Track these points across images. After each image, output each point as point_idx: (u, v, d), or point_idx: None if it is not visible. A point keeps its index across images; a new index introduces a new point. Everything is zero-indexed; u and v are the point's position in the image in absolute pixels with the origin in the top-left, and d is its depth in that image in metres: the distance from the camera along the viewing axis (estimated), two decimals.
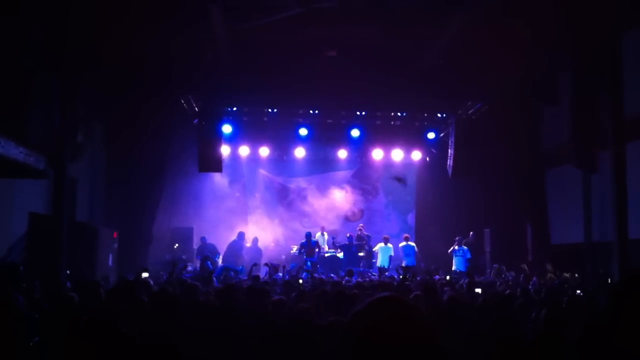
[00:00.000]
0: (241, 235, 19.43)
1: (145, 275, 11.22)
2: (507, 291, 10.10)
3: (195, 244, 20.29)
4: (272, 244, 20.89)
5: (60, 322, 5.31)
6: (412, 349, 1.73)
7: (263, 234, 20.87)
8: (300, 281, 12.03)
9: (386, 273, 17.69)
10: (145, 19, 12.82)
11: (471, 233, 19.19)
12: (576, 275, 14.22)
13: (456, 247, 18.73)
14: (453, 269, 18.34)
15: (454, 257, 18.72)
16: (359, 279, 13.51)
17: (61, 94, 12.82)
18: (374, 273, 17.68)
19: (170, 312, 5.55)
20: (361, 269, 18.23)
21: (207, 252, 18.02)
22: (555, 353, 3.38)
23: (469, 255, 18.62)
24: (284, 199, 22.09)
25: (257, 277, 12.09)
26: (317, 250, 19.05)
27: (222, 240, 19.83)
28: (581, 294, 9.98)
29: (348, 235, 19.95)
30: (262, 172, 22.15)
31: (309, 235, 19.15)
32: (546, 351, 3.43)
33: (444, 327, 5.27)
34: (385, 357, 1.71)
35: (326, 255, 19.69)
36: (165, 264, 17.66)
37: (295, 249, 19.71)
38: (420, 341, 1.75)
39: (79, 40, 12.72)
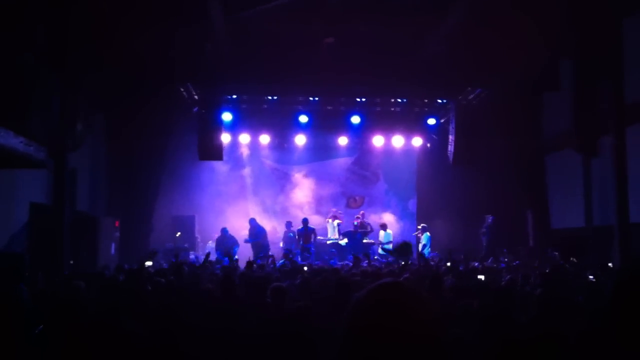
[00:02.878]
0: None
1: (148, 264, 11.24)
2: (507, 277, 10.13)
3: (198, 232, 20.35)
4: (271, 231, 20.91)
5: (64, 314, 5.31)
6: (414, 336, 1.70)
7: (263, 221, 20.89)
8: (305, 268, 12.05)
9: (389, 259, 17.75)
10: (146, 9, 12.77)
11: (490, 217, 19.15)
12: (574, 259, 14.23)
13: (420, 235, 19.19)
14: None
15: (425, 244, 18.94)
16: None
17: (62, 85, 12.79)
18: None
19: (172, 305, 5.55)
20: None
21: (228, 245, 18.24)
22: (556, 348, 3.39)
23: (427, 242, 19.02)
24: (284, 187, 22.05)
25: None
26: (313, 236, 19.10)
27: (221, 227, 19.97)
28: (593, 279, 9.87)
29: (356, 223, 19.93)
30: (263, 159, 22.11)
31: (305, 222, 19.16)
32: (546, 346, 3.44)
33: (448, 316, 5.29)
34: (388, 344, 1.69)
35: (328, 242, 19.74)
36: (167, 252, 17.73)
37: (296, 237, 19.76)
38: (423, 328, 1.73)
39: (80, 34, 12.69)
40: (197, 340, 4.54)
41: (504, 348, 3.49)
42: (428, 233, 19.22)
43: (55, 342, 4.71)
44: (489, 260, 17.36)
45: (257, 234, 19.15)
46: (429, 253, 18.36)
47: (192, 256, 18.14)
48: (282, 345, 3.83)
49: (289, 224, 19.92)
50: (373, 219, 20.96)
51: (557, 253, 15.55)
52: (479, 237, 19.42)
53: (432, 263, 13.99)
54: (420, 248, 18.81)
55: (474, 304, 6.23)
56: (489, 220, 19.16)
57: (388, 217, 21.35)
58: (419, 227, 19.61)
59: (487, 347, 3.83)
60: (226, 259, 15.99)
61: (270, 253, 17.64)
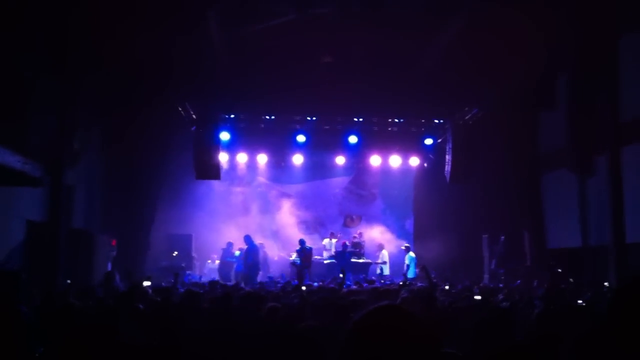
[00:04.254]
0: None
1: (147, 283, 11.17)
2: (501, 296, 10.10)
3: (194, 251, 20.25)
4: (269, 251, 20.86)
5: (60, 330, 5.29)
6: (408, 356, 1.74)
7: (260, 241, 20.90)
8: (304, 288, 11.97)
9: (386, 281, 17.65)
10: (144, 27, 12.87)
11: (502, 237, 19.07)
12: (570, 280, 14.21)
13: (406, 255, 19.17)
14: (408, 276, 18.43)
15: (409, 265, 18.91)
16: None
17: (59, 102, 12.84)
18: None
19: (171, 321, 5.53)
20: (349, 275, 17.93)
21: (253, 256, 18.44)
22: (552, 355, 3.39)
23: (410, 262, 18.99)
24: (281, 206, 22.06)
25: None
26: (309, 257, 18.92)
27: (218, 247, 19.94)
28: (583, 304, 9.77)
29: (343, 242, 19.86)
30: (260, 179, 22.14)
31: (302, 242, 19.07)
32: (542, 354, 3.44)
33: (443, 335, 5.27)
34: None
35: (325, 262, 19.68)
36: (163, 270, 17.64)
37: (294, 256, 19.70)
38: (419, 348, 1.76)
39: (79, 49, 12.77)
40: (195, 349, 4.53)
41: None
42: (412, 253, 19.23)
43: (52, 357, 4.69)
44: (485, 280, 17.37)
45: (249, 251, 18.98)
46: (414, 273, 18.36)
47: (187, 275, 18.01)
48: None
49: (261, 246, 19.71)
50: (370, 237, 20.93)
51: (553, 271, 15.50)
52: (489, 256, 19.36)
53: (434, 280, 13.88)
54: (404, 269, 18.82)
55: (470, 322, 6.21)
56: (501, 240, 19.02)
57: (385, 237, 21.32)
58: (402, 247, 19.61)
59: None
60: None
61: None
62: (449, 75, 15.91)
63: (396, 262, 19.91)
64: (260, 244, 20.02)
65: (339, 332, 1.93)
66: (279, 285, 13.50)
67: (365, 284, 14.17)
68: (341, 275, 11.36)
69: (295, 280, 14.90)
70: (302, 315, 7.16)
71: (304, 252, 18.67)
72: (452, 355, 3.84)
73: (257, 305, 7.29)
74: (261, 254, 19.81)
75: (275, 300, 8.08)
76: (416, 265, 18.69)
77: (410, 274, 18.38)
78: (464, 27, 14.05)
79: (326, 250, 20.20)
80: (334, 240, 20.40)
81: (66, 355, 4.33)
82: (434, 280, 15.10)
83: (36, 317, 6.71)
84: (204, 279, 16.52)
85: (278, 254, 20.54)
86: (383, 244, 20.23)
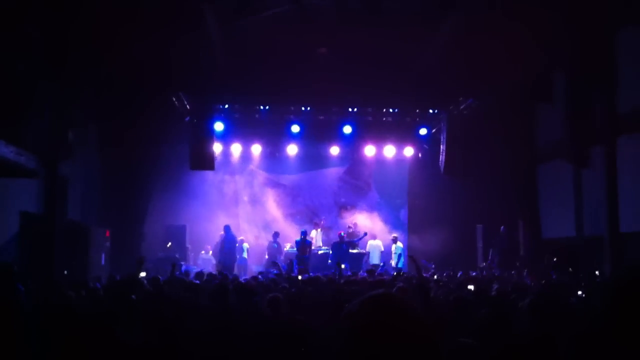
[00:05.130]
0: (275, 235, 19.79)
1: (142, 274, 11.15)
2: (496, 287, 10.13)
3: (189, 242, 20.22)
4: (266, 242, 20.82)
5: (56, 322, 5.28)
6: (407, 344, 1.72)
7: (255, 231, 20.89)
8: (300, 277, 12.00)
9: (379, 269, 17.69)
10: (139, 19, 12.79)
11: (502, 227, 19.07)
12: (570, 269, 14.29)
13: (394, 245, 19.36)
14: (393, 265, 18.76)
15: (394, 254, 19.15)
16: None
17: (55, 94, 12.79)
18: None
19: (167, 315, 5.52)
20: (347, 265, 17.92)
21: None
22: (549, 352, 3.41)
23: (401, 252, 19.23)
24: (276, 196, 22.03)
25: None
26: (309, 248, 18.86)
27: (213, 237, 19.93)
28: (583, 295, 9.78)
29: (339, 233, 19.84)
30: (254, 169, 22.10)
31: (304, 233, 18.91)
32: (539, 350, 3.46)
33: (438, 324, 5.29)
34: (381, 353, 1.71)
35: (319, 252, 19.65)
36: (159, 261, 17.61)
37: (288, 246, 19.70)
38: (415, 337, 1.75)
39: (78, 42, 12.71)
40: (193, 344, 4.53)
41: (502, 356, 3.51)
42: (400, 244, 19.41)
43: (51, 350, 4.69)
44: (479, 270, 17.43)
45: (226, 240, 18.93)
46: (403, 264, 18.49)
47: (184, 267, 17.97)
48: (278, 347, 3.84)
49: (275, 235, 19.96)
50: (364, 228, 20.93)
51: (547, 262, 15.58)
52: (484, 246, 19.44)
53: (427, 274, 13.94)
54: (394, 259, 18.91)
55: (469, 313, 6.24)
56: (502, 231, 19.04)
57: (380, 227, 21.33)
58: (391, 237, 19.68)
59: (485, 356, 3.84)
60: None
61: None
62: (444, 66, 15.87)
63: (387, 252, 19.94)
64: (276, 232, 20.06)
65: (336, 326, 1.93)
66: (270, 276, 13.50)
67: (362, 273, 14.21)
68: (341, 266, 11.36)
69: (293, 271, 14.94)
70: (299, 307, 7.19)
71: (302, 243, 18.57)
72: (455, 349, 3.86)
73: (249, 298, 7.28)
74: (269, 245, 19.94)
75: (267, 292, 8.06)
76: (404, 256, 18.90)
77: (400, 264, 18.56)
78: (461, 22, 14.04)
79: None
80: (319, 230, 20.39)
81: (65, 355, 4.33)
82: (432, 271, 15.29)
83: (34, 311, 6.70)
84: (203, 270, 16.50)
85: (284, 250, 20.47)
86: (375, 234, 20.27)
